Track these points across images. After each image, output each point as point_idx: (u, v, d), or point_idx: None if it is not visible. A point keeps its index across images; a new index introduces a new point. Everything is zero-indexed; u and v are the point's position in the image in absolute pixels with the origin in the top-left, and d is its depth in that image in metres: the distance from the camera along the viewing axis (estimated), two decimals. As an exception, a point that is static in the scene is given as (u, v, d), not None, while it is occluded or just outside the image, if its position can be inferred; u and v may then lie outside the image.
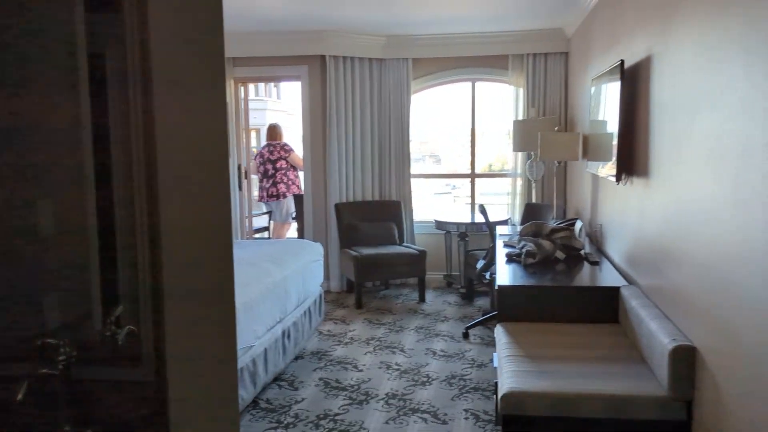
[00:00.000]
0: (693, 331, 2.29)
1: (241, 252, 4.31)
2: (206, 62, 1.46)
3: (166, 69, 1.28)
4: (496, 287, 3.28)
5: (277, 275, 3.84)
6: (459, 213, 7.39)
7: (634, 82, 3.13)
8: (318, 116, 6.20)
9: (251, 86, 19.86)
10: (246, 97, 6.68)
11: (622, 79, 3.15)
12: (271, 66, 6.27)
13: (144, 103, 1.24)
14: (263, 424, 3.39)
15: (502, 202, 6.67)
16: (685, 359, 2.21)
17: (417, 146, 13.03)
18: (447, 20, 5.52)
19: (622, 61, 3.15)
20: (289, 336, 3.98)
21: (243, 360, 3.28)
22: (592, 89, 4.09)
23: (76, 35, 1.27)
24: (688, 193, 2.34)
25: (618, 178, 3.27)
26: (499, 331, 3.10)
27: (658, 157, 2.76)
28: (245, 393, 3.29)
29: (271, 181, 6.92)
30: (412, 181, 6.43)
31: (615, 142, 3.20)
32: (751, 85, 1.78)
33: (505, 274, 3.52)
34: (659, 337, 2.37)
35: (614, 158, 3.24)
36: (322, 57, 6.08)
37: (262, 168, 6.96)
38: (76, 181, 1.32)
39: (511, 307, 3.22)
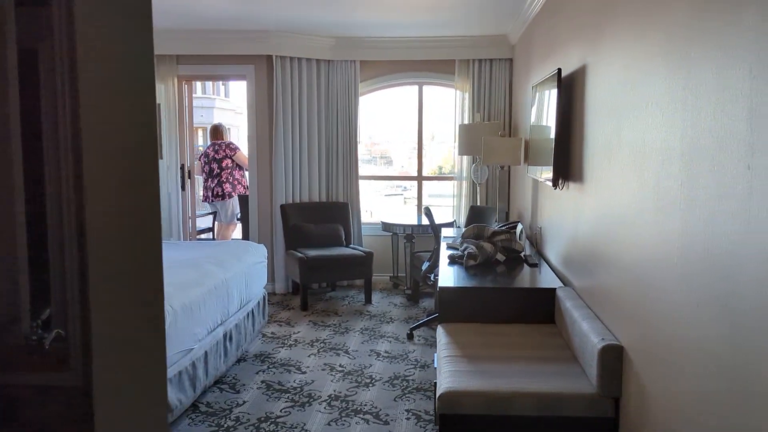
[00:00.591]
0: (620, 330, 2.39)
1: (183, 253, 4.24)
2: (135, 58, 1.44)
3: (93, 64, 1.26)
4: (438, 289, 3.33)
5: (219, 277, 3.79)
6: (407, 215, 7.46)
7: (571, 90, 3.24)
8: (264, 116, 6.16)
9: (198, 84, 19.55)
10: (190, 96, 6.56)
11: (559, 87, 3.26)
12: (217, 65, 6.19)
13: (71, 99, 1.22)
14: (202, 428, 3.35)
15: (450, 205, 6.77)
16: (613, 358, 2.31)
17: (368, 147, 13.05)
18: (395, 24, 5.57)
19: (559, 70, 3.26)
20: (230, 338, 3.94)
21: (182, 363, 3.24)
22: (534, 96, 4.20)
23: (6, 29, 1.24)
24: (616, 199, 2.45)
25: (555, 183, 3.38)
26: (439, 332, 3.15)
27: (591, 164, 2.87)
28: (184, 397, 3.24)
29: (216, 181, 6.81)
30: (361, 182, 6.45)
31: (553, 148, 3.30)
32: (671, 96, 1.88)
33: (447, 276, 3.58)
34: (590, 337, 2.46)
35: (552, 166, 3.34)
36: (269, 57, 6.04)
37: (207, 167, 6.85)
38: (3, 179, 1.28)
39: (451, 309, 3.28)
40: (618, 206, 2.43)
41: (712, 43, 1.61)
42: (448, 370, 2.60)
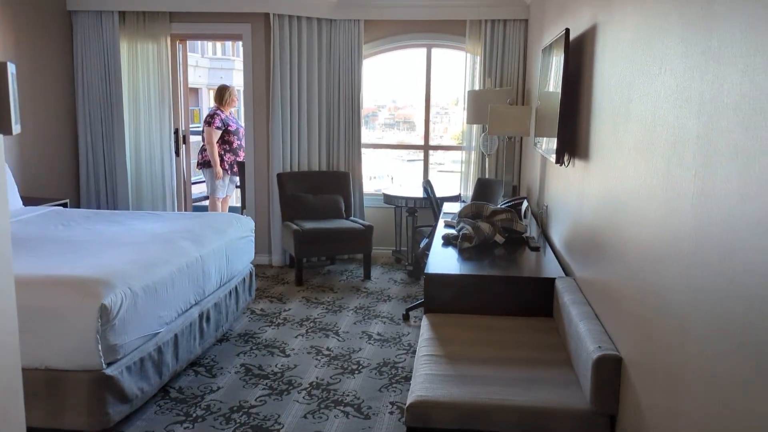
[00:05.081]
0: (620, 337, 2.06)
1: (160, 226, 3.98)
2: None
3: None
4: (423, 274, 3.01)
5: (193, 254, 3.52)
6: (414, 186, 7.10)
7: (579, 54, 2.84)
8: (261, 80, 5.80)
9: (219, 45, 19.12)
10: (185, 56, 6.22)
11: (567, 50, 2.86)
12: (211, 23, 5.82)
13: None
14: (169, 417, 3.11)
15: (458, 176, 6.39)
16: (610, 370, 1.99)
17: (391, 112, 12.58)
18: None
19: (567, 31, 2.86)
20: (208, 319, 3.69)
21: (144, 349, 2.99)
22: (543, 60, 3.79)
23: None
24: (622, 183, 2.08)
25: (559, 158, 3.01)
26: (423, 324, 2.85)
27: (597, 139, 2.50)
28: (146, 385, 3.00)
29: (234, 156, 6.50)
30: (369, 151, 6.10)
31: (557, 120, 2.92)
32: (687, 62, 1.50)
33: (437, 260, 3.26)
34: (586, 342, 2.13)
35: (556, 139, 2.97)
36: (266, 15, 5.65)
37: (227, 138, 6.48)
38: None
39: (439, 297, 2.97)
40: (623, 192, 2.07)
41: (743, -8, 1.23)
42: (424, 374, 2.30)
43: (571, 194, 3.06)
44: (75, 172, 5.95)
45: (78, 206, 5.88)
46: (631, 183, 1.98)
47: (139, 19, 5.75)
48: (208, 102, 18.74)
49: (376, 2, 5.77)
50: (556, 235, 3.51)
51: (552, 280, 2.91)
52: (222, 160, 6.45)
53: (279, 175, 5.74)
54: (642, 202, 1.85)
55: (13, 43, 5.13)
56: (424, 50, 6.14)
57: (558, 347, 2.56)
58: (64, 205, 4.99)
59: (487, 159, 5.78)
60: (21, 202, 4.61)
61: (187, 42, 6.49)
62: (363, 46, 5.88)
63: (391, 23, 5.94)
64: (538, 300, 2.94)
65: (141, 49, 5.80)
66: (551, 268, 3.14)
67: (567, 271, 3.03)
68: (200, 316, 3.58)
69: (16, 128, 1.09)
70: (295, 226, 5.35)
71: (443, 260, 3.28)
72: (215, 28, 5.90)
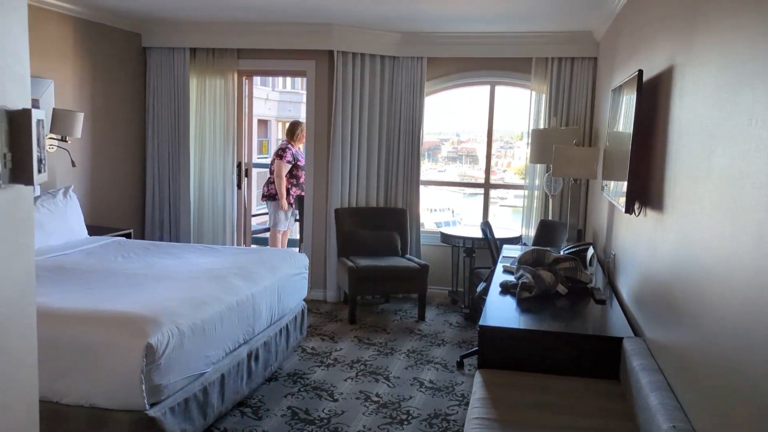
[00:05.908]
0: (696, 413, 1.83)
1: (214, 261, 3.97)
2: None
3: None
4: (478, 325, 2.84)
5: (244, 292, 3.47)
6: (474, 223, 6.91)
7: (653, 97, 2.65)
8: (323, 115, 5.83)
9: (288, 80, 19.64)
10: (250, 91, 6.34)
11: (640, 92, 2.67)
12: (277, 59, 5.91)
13: None
14: (211, 461, 3.04)
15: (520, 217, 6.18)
16: (685, 453, 1.76)
17: (454, 145, 12.46)
18: (467, 18, 5.06)
19: (640, 72, 2.67)
20: (257, 358, 3.61)
21: (189, 389, 2.93)
22: (613, 101, 3.60)
23: None
24: (703, 243, 1.88)
25: (629, 207, 2.80)
26: (476, 381, 2.67)
27: (673, 191, 2.29)
28: (190, 427, 2.93)
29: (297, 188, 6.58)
30: (426, 188, 6.00)
31: (628, 167, 2.72)
32: (785, 116, 1.32)
33: (493, 309, 3.08)
34: (657, 418, 1.91)
35: (625, 186, 2.77)
36: (330, 52, 5.70)
37: (295, 172, 6.55)
38: None
39: (494, 351, 2.78)
40: (703, 252, 1.86)
41: None
42: (474, 439, 2.12)
43: (641, 245, 2.84)
44: (141, 202, 6.11)
45: (142, 236, 6.01)
46: (713, 244, 1.77)
47: (208, 56, 5.91)
48: (276, 133, 19.23)
49: (440, 40, 5.72)
50: (625, 288, 3.27)
51: (619, 340, 2.68)
52: (288, 194, 6.51)
53: (336, 211, 5.71)
54: (726, 267, 1.64)
55: (90, 77, 5.35)
56: (487, 87, 6.02)
57: (624, 416, 2.33)
58: (128, 235, 5.10)
59: (550, 199, 5.56)
60: (86, 232, 4.73)
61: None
62: (425, 83, 5.82)
63: (455, 60, 5.87)
64: (603, 360, 2.71)
65: (209, 84, 5.95)
66: (618, 325, 2.90)
67: (636, 330, 2.79)
68: (249, 356, 3.51)
69: (40, 177, 1.04)
70: (350, 263, 5.27)
71: (500, 311, 3.10)
72: (280, 64, 6.00)
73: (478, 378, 2.67)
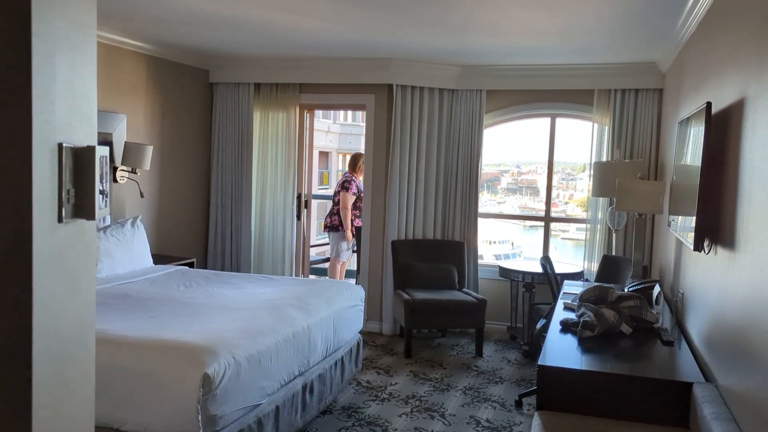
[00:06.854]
0: (778, 472, 1.69)
1: (272, 291, 4.02)
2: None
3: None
4: (537, 364, 2.74)
5: (300, 323, 3.49)
6: (534, 256, 6.76)
7: (723, 130, 2.54)
8: (381, 147, 5.89)
9: (349, 112, 20.08)
10: (311, 124, 6.48)
11: (708, 125, 2.57)
12: (337, 93, 6.04)
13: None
14: (263, 494, 3.02)
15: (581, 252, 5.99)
16: None
17: (514, 177, 12.30)
18: (525, 51, 5.03)
19: (709, 104, 2.57)
20: (311, 390, 3.61)
21: (244, 420, 2.94)
22: (680, 134, 3.47)
23: None
24: (780, 285, 1.75)
25: (698, 245, 2.66)
26: (535, 424, 2.56)
27: (746, 229, 2.17)
28: (244, 458, 2.93)
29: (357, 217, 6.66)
30: (487, 219, 5.92)
31: (696, 202, 2.60)
32: None
33: (553, 348, 2.98)
34: (730, 473, 1.77)
35: (693, 221, 2.64)
36: (390, 86, 5.77)
37: (357, 203, 6.65)
38: None
39: (553, 392, 2.67)
40: (780, 296, 1.74)
41: None
42: (532, 486, 2.03)
43: (711, 285, 2.69)
44: (204, 232, 6.29)
45: (204, 265, 6.17)
46: (790, 286, 1.65)
47: (271, 90, 6.09)
48: (337, 165, 19.58)
49: (500, 72, 5.70)
50: (694, 329, 3.09)
51: (689, 385, 2.52)
52: (351, 224, 6.60)
53: (393, 243, 5.70)
54: (806, 312, 1.53)
55: (160, 111, 5.60)
56: (547, 120, 5.94)
57: (695, 468, 2.18)
58: (191, 264, 5.24)
59: (614, 234, 5.38)
60: (152, 261, 4.89)
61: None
62: (484, 116, 5.80)
63: (514, 93, 5.83)
64: (670, 406, 2.55)
65: (272, 118, 6.12)
66: (687, 369, 2.74)
67: (707, 375, 2.63)
68: (303, 388, 3.51)
69: (102, 212, 1.08)
70: (406, 296, 5.23)
71: (560, 350, 2.98)
72: (341, 98, 6.12)
73: (536, 421, 2.57)
